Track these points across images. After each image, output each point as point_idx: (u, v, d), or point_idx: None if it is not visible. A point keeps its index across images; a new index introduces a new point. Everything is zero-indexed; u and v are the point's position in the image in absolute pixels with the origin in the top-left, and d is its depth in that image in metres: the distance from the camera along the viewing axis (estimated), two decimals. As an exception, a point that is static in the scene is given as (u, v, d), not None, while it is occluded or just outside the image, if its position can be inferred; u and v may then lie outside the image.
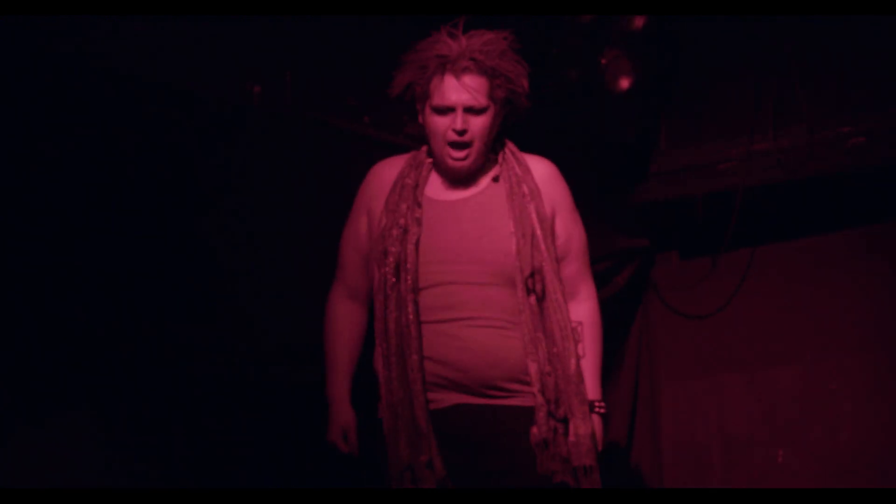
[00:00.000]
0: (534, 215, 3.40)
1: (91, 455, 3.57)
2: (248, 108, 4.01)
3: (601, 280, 4.96)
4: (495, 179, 3.42)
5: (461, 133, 3.34)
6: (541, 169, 3.49)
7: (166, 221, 3.77)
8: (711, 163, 4.80)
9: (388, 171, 3.48)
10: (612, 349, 5.03)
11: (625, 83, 4.69)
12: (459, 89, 3.33)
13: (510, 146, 3.49)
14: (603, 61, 4.67)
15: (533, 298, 3.34)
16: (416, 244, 3.34)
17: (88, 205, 3.61)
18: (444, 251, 3.35)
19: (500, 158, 3.46)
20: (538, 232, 3.38)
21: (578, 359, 3.39)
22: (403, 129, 4.23)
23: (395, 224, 3.35)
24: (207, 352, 3.83)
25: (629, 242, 5.02)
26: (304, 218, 4.05)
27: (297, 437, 3.96)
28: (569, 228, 3.47)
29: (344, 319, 3.49)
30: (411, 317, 3.29)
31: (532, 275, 3.35)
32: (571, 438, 3.32)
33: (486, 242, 3.36)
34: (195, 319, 3.82)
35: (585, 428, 3.35)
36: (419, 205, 3.38)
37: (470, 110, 3.35)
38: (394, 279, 3.32)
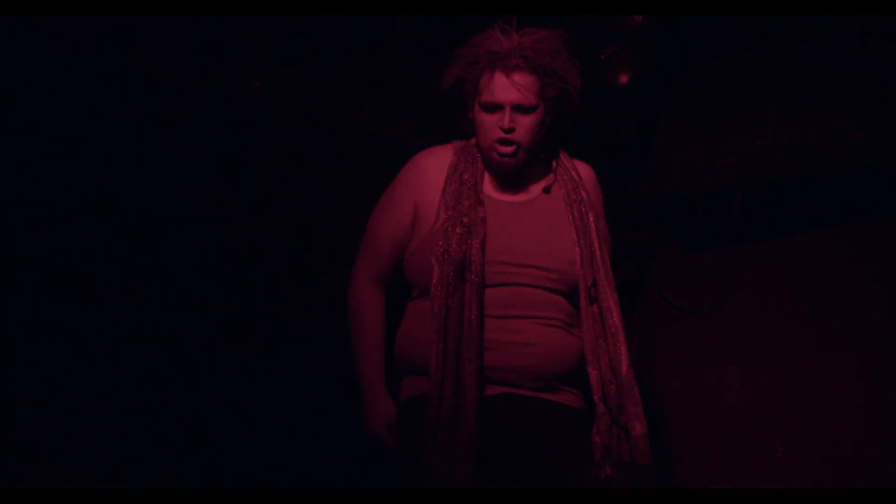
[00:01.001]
0: (592, 224, 3.39)
1: (91, 455, 3.57)
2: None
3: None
4: (546, 191, 3.40)
5: (509, 131, 3.31)
6: (586, 174, 3.49)
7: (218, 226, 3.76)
8: (711, 158, 4.79)
9: (434, 162, 3.42)
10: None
11: (624, 78, 4.68)
12: (509, 87, 3.29)
13: (558, 147, 3.47)
14: (602, 56, 4.65)
15: (595, 307, 3.33)
16: (483, 244, 3.29)
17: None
18: (509, 253, 3.30)
19: (553, 165, 3.44)
20: (595, 242, 3.38)
21: (630, 363, 3.36)
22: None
23: (459, 222, 3.29)
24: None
25: (629, 238, 5.01)
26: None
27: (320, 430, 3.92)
28: (604, 234, 3.48)
29: (376, 305, 3.43)
30: (475, 320, 3.23)
31: (595, 283, 3.34)
32: (631, 441, 3.31)
33: (550, 248, 3.33)
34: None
35: (642, 428, 3.33)
36: (482, 203, 3.33)
37: (519, 109, 3.31)
38: (456, 278, 3.25)
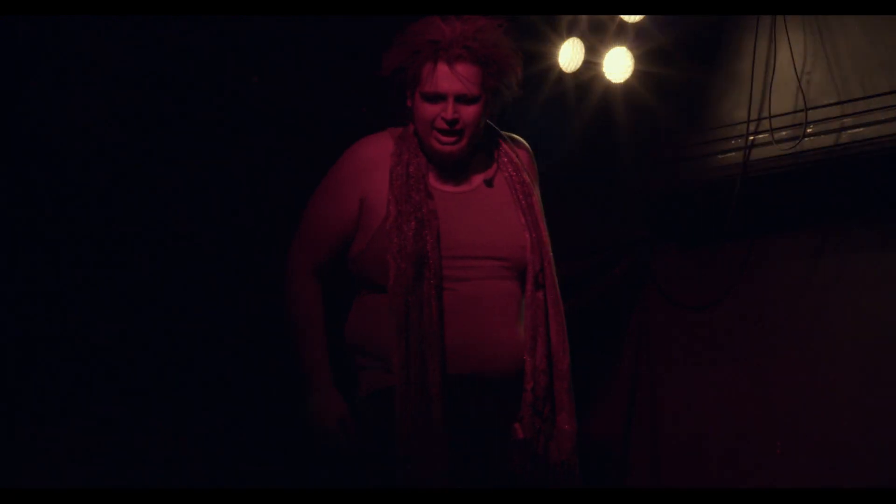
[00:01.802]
0: (536, 205, 3.38)
1: (91, 455, 3.57)
2: None
3: (600, 270, 4.99)
4: (488, 183, 3.36)
5: (452, 122, 3.27)
6: (523, 153, 3.46)
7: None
8: (711, 153, 4.78)
9: (377, 152, 3.36)
10: (611, 339, 5.05)
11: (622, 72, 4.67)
12: (452, 78, 3.25)
13: (497, 131, 3.43)
14: (602, 49, 4.64)
15: (540, 294, 3.32)
16: (437, 239, 3.25)
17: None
18: (464, 246, 3.28)
19: (494, 153, 3.40)
20: (542, 225, 3.36)
21: (571, 355, 3.34)
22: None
23: (413, 217, 3.25)
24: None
25: (628, 233, 5.00)
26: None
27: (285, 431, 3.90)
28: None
29: (318, 298, 3.36)
30: (435, 316, 3.20)
31: (542, 269, 3.33)
32: (556, 435, 3.29)
33: (501, 236, 3.31)
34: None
35: (572, 425, 3.31)
36: (431, 196, 3.30)
37: (461, 99, 3.27)
38: (414, 275, 3.22)
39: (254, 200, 3.91)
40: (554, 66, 4.55)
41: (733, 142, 4.70)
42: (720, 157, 4.75)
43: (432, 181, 3.34)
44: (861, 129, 4.43)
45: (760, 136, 4.63)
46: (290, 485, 3.94)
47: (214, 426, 3.87)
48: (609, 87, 4.64)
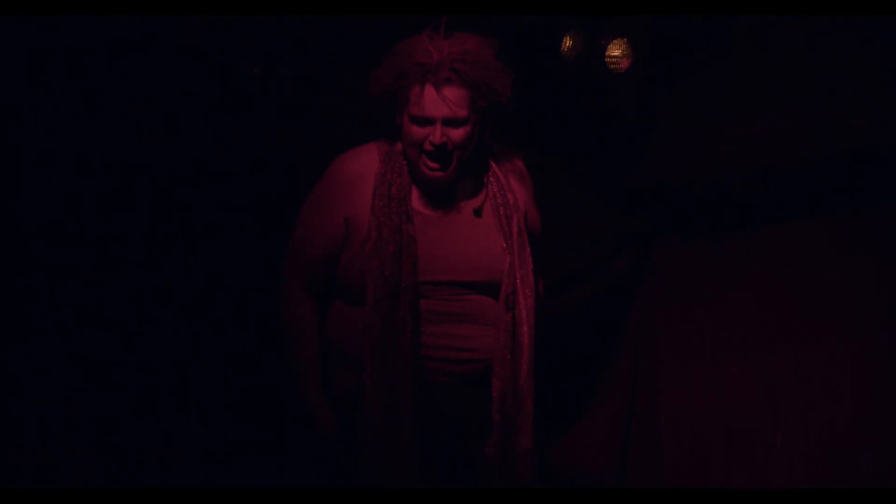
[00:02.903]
0: (516, 228, 3.34)
1: (91, 455, 3.56)
2: None
3: (601, 264, 4.99)
4: (477, 213, 3.34)
5: (440, 147, 3.23)
6: (514, 168, 3.43)
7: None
8: (712, 144, 4.76)
9: (359, 170, 3.34)
10: (612, 332, 5.04)
11: (624, 64, 4.66)
12: (439, 103, 3.21)
13: (488, 147, 3.40)
14: (602, 41, 4.63)
15: (510, 316, 3.30)
16: (415, 265, 3.24)
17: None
18: (442, 271, 3.27)
19: (483, 176, 3.37)
20: (525, 246, 3.34)
21: (530, 373, 3.32)
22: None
23: (392, 241, 3.23)
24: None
25: (629, 226, 4.99)
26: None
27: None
28: (533, 225, 3.44)
29: (312, 319, 3.37)
30: (409, 346, 3.21)
31: (513, 291, 3.31)
32: (517, 456, 3.29)
33: (482, 261, 3.31)
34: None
35: (528, 443, 3.31)
36: (411, 220, 3.27)
37: (450, 123, 3.23)
38: (391, 300, 3.22)
39: (252, 196, 3.90)
40: (554, 55, 4.54)
41: (735, 133, 4.69)
42: (721, 148, 4.74)
43: (415, 203, 3.32)
44: (862, 122, 4.44)
45: (762, 127, 4.62)
46: (287, 485, 3.94)
47: (213, 426, 3.87)
48: (610, 77, 4.63)
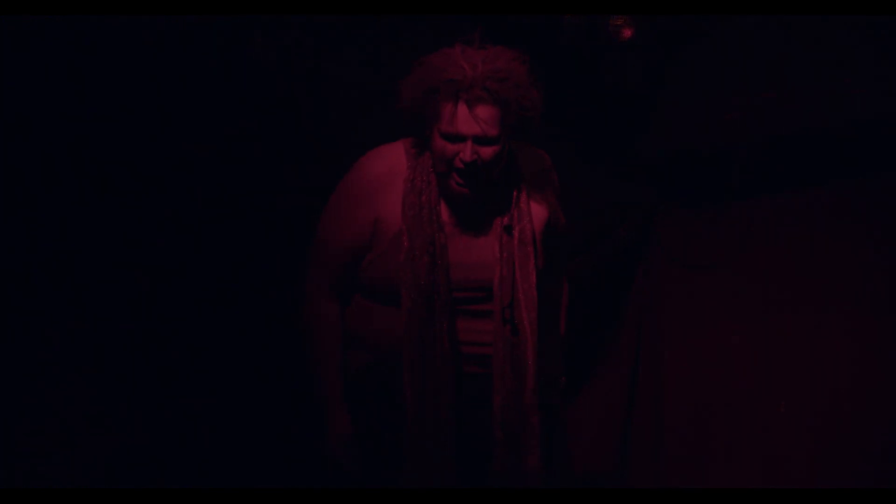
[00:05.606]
0: (516, 240, 3.32)
1: (91, 455, 3.57)
2: None
3: (604, 232, 4.98)
4: (507, 230, 3.31)
5: (470, 165, 3.21)
6: (537, 167, 3.42)
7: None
8: (716, 113, 4.74)
9: (386, 168, 3.32)
10: (616, 300, 5.05)
11: (628, 32, 4.62)
12: (471, 121, 3.16)
13: (513, 153, 3.37)
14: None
15: (508, 329, 3.30)
16: (448, 274, 3.25)
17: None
18: (471, 281, 3.29)
19: (514, 197, 3.35)
20: (530, 260, 3.32)
21: (535, 388, 3.32)
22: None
23: (425, 252, 3.24)
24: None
25: (632, 194, 4.98)
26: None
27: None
28: (559, 226, 3.45)
29: (336, 321, 3.36)
30: (448, 352, 3.24)
31: (511, 304, 3.30)
32: (524, 471, 3.29)
33: (490, 272, 3.31)
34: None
35: (535, 460, 3.30)
36: (443, 229, 3.27)
37: (480, 140, 3.19)
38: (428, 310, 3.23)
39: (261, 197, 3.89)
40: (559, 28, 4.50)
41: (739, 101, 4.67)
42: (726, 116, 4.72)
43: (444, 213, 3.31)
44: (866, 91, 4.41)
45: (766, 95, 4.59)
46: (289, 485, 3.97)
47: (214, 426, 3.89)
48: (614, 48, 4.59)
